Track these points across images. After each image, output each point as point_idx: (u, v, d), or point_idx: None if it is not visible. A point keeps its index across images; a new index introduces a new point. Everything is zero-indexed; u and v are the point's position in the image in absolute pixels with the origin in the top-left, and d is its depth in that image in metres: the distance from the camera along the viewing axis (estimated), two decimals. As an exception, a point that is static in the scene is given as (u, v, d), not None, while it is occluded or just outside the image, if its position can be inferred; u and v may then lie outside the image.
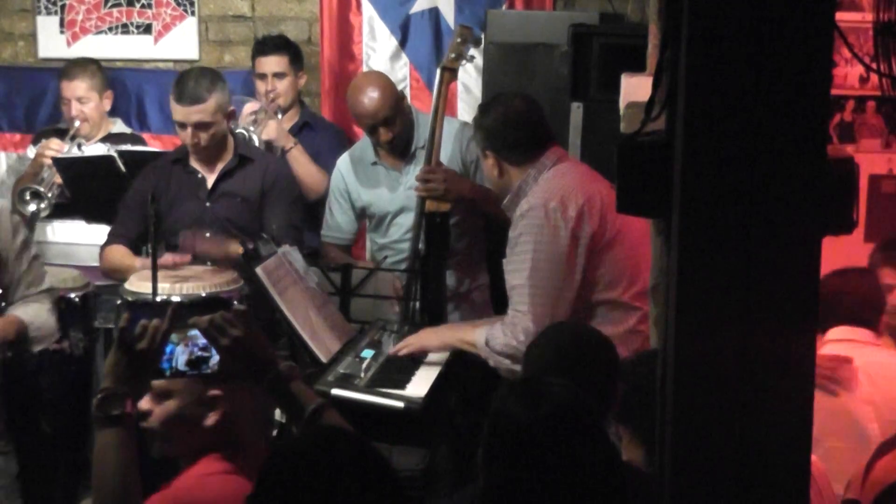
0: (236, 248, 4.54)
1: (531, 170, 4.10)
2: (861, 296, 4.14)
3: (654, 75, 2.16)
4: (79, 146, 5.43)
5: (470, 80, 5.99)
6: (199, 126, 4.73)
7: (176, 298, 4.30)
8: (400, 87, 5.32)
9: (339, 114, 6.07)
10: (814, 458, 3.98)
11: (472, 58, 5.09)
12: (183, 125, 4.75)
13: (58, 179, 5.18)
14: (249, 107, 5.56)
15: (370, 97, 4.87)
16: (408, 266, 4.81)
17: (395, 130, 4.94)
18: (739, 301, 1.93)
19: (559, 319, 3.90)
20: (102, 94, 5.69)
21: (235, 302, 4.27)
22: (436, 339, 4.21)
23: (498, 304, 4.43)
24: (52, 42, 6.46)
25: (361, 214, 5.18)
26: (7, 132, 6.48)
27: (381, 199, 5.08)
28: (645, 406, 2.85)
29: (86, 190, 5.11)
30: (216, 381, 2.74)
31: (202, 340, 2.71)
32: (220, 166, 4.89)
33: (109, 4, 6.40)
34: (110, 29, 6.43)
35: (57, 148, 5.29)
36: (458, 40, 4.93)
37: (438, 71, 4.94)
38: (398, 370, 4.08)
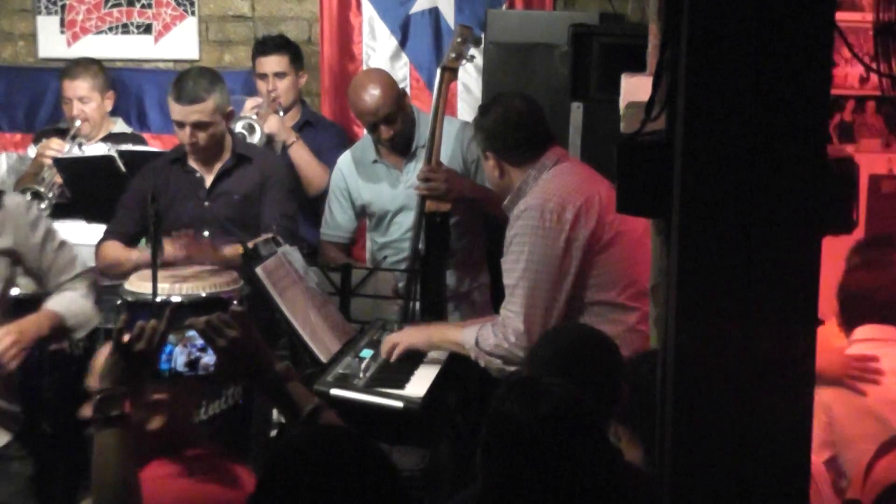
0: (234, 251, 4.54)
1: (532, 170, 4.09)
2: (890, 291, 4.11)
3: (654, 75, 2.17)
4: (79, 146, 5.43)
5: (470, 79, 5.99)
6: (198, 126, 4.73)
7: (176, 299, 4.30)
8: (399, 86, 5.32)
9: (339, 113, 6.07)
10: (813, 458, 3.98)
11: (473, 57, 5.09)
12: (181, 124, 4.75)
13: (58, 179, 5.18)
14: (252, 101, 5.57)
15: (371, 94, 4.87)
16: (408, 266, 4.81)
17: (396, 128, 4.94)
18: (739, 301, 1.93)
19: (552, 321, 3.90)
20: (104, 95, 5.69)
21: (235, 302, 4.27)
22: (422, 340, 4.19)
23: (498, 304, 4.42)
24: (52, 42, 6.46)
25: (361, 213, 5.18)
26: (7, 132, 6.48)
27: (381, 197, 5.09)
28: (644, 406, 2.85)
29: (86, 190, 5.11)
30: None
31: (200, 341, 2.71)
32: (218, 166, 4.89)
33: (110, 4, 6.40)
34: (110, 29, 6.43)
35: (57, 148, 5.29)
36: (459, 40, 4.93)
37: (439, 71, 4.94)
38: (397, 370, 4.08)
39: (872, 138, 5.20)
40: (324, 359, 4.07)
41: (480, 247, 5.12)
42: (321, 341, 4.14)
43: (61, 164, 5.17)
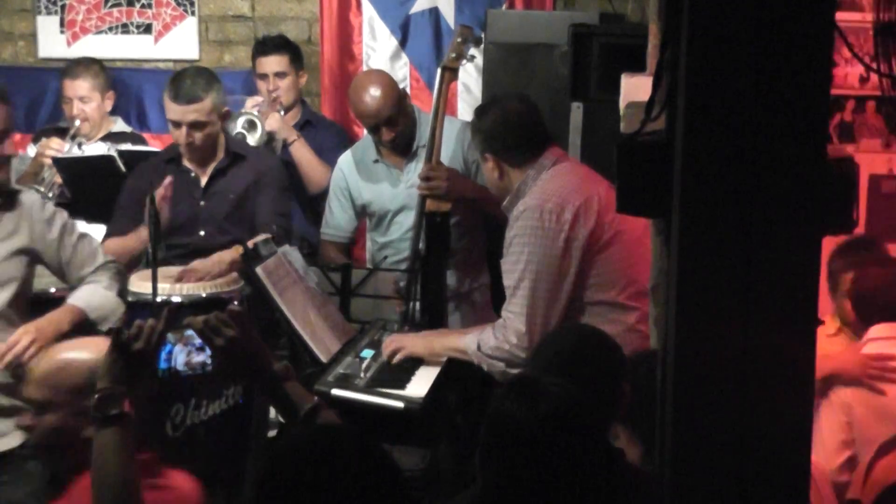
0: (234, 254, 4.54)
1: (531, 171, 4.09)
2: None
3: (654, 75, 2.17)
4: (79, 145, 5.43)
5: (470, 79, 5.99)
6: (194, 125, 4.73)
7: (176, 299, 4.30)
8: (400, 87, 5.32)
9: (339, 113, 6.08)
10: (813, 458, 3.98)
11: (473, 57, 5.09)
12: (177, 124, 4.75)
13: (58, 179, 5.18)
14: (252, 100, 5.57)
15: (372, 97, 4.87)
16: (408, 266, 4.81)
17: (397, 130, 4.94)
18: (739, 301, 1.93)
19: (553, 321, 3.89)
20: (104, 95, 5.69)
21: (235, 303, 4.26)
22: (423, 348, 4.18)
23: (499, 304, 4.43)
24: (52, 42, 6.47)
25: (362, 212, 5.18)
26: (7, 132, 6.47)
27: (382, 196, 5.08)
28: (643, 406, 2.85)
29: (86, 190, 5.10)
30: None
31: (199, 340, 2.71)
32: (212, 165, 4.90)
33: (109, 4, 6.40)
34: (110, 29, 6.43)
35: (57, 147, 5.29)
36: (459, 40, 4.93)
37: (439, 70, 4.94)
38: (398, 370, 4.08)
39: (872, 138, 5.21)
40: (324, 359, 4.07)
41: (480, 247, 5.11)
42: (321, 341, 4.14)
43: (61, 163, 5.17)
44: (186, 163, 4.90)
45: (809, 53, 1.91)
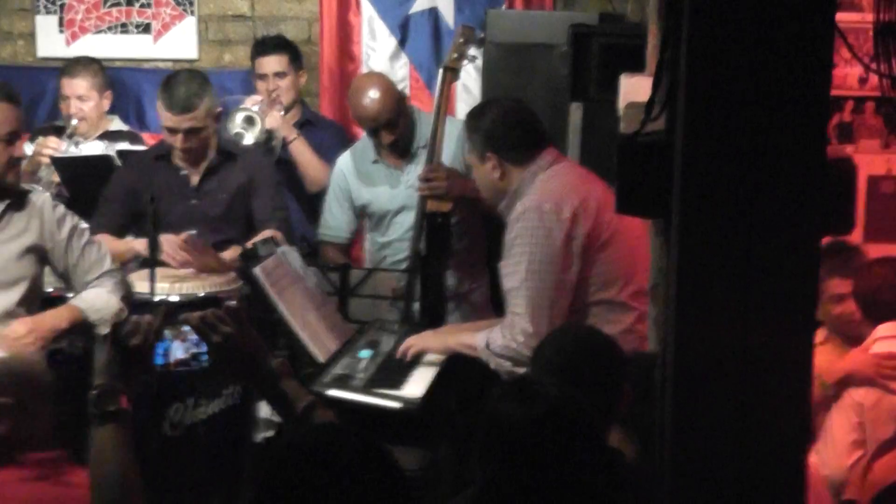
0: (233, 254, 4.54)
1: (529, 171, 4.09)
2: None
3: (653, 76, 2.17)
4: (76, 144, 5.43)
5: (469, 79, 5.98)
6: (191, 132, 4.74)
7: (174, 298, 4.30)
8: (400, 87, 5.32)
9: (338, 113, 6.07)
10: (822, 459, 3.98)
11: (475, 58, 5.09)
12: (174, 131, 4.75)
13: (55, 178, 5.17)
14: (251, 99, 5.56)
15: (372, 100, 4.87)
16: (408, 266, 4.80)
17: (397, 133, 4.93)
18: (739, 301, 1.93)
19: (557, 320, 3.89)
20: (102, 94, 5.68)
21: (234, 301, 4.26)
22: (437, 343, 4.20)
23: (498, 304, 4.43)
24: (51, 41, 6.45)
25: (361, 213, 5.17)
26: (6, 131, 6.45)
27: (381, 197, 5.08)
28: (637, 406, 2.85)
29: (84, 189, 5.09)
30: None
31: (195, 336, 2.71)
32: (204, 164, 4.90)
33: (109, 4, 6.40)
34: (109, 28, 6.43)
35: (55, 146, 5.28)
36: (461, 40, 4.93)
37: (441, 71, 4.94)
38: (396, 370, 4.07)
39: (871, 139, 5.21)
40: (322, 359, 4.06)
41: (481, 247, 5.11)
42: (319, 341, 4.13)
43: (59, 162, 5.17)
44: (177, 161, 4.89)
45: (809, 54, 1.91)
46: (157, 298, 4.20)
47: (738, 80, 1.91)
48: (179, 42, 6.42)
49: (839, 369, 4.02)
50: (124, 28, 6.42)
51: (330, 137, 5.62)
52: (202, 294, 4.37)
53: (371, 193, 5.09)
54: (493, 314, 4.60)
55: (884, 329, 4.02)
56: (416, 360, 4.17)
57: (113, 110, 5.85)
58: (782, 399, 1.95)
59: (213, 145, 4.92)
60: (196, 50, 6.42)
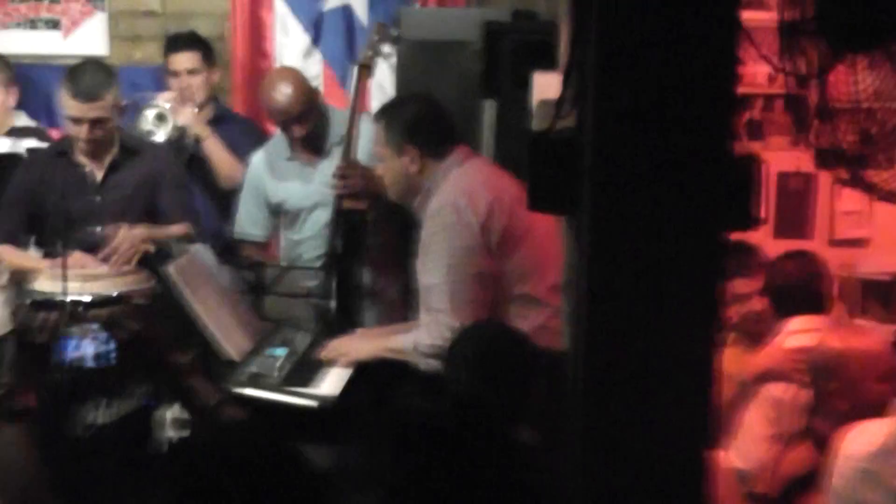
0: (180, 231, 4.49)
1: (444, 166, 4.10)
2: (814, 281, 4.16)
3: (563, 73, 2.18)
4: (-21, 142, 5.34)
5: (384, 77, 5.97)
6: (97, 122, 4.66)
7: (86, 298, 4.24)
8: (313, 84, 5.30)
9: (251, 110, 6.03)
10: (724, 453, 4.03)
11: (389, 55, 5.09)
12: (78, 120, 4.66)
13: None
14: (163, 96, 5.49)
15: (283, 93, 4.85)
16: (323, 264, 4.79)
17: (308, 126, 4.92)
18: (645, 297, 1.95)
19: (479, 314, 3.90)
20: (8, 90, 5.59)
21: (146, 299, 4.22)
22: (365, 352, 4.18)
23: (412, 302, 4.43)
24: (-44, 37, 6.34)
25: (276, 211, 5.14)
26: None
27: (295, 194, 5.06)
28: (548, 401, 2.87)
29: (-8, 187, 5.01)
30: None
31: (104, 334, 2.69)
32: (107, 160, 4.81)
33: (17, -1, 6.30)
34: (17, 24, 6.32)
35: (-43, 144, 5.19)
36: (375, 38, 4.93)
37: (355, 68, 4.94)
38: (311, 368, 4.06)
39: (781, 136, 5.27)
40: (236, 357, 4.04)
41: (396, 245, 5.11)
42: (233, 340, 4.10)
43: (-38, 161, 5.08)
44: (79, 157, 4.80)
45: (714, 52, 1.93)
46: (69, 298, 4.14)
47: (646, 78, 1.93)
48: (90, 38, 6.33)
49: (756, 365, 4.07)
50: (32, 24, 6.32)
51: (243, 134, 5.58)
52: (115, 294, 4.31)
53: (285, 190, 5.06)
54: (407, 312, 4.60)
55: (796, 323, 4.08)
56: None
57: (22, 107, 5.76)
58: (686, 394, 1.97)
59: (116, 139, 4.84)
60: (107, 46, 6.34)
